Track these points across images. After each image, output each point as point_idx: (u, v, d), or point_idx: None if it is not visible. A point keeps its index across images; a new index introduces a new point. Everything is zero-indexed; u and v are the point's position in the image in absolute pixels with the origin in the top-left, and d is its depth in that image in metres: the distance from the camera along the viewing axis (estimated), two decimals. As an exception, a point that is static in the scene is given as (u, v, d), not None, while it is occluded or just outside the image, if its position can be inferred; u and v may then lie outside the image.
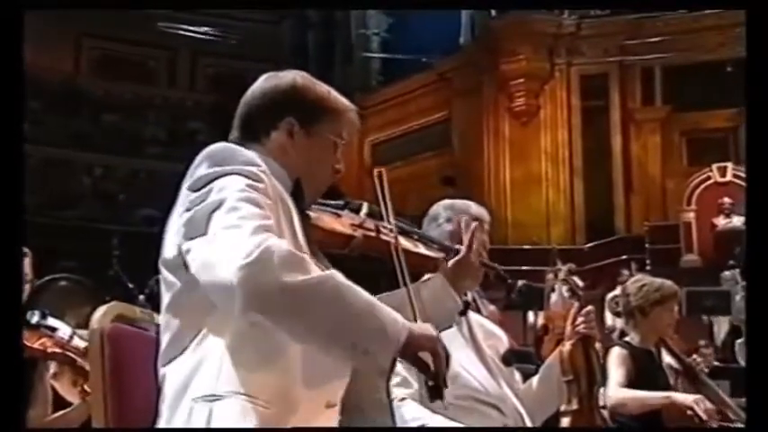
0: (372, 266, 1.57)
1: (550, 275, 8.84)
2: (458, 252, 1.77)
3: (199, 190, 1.36)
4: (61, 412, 2.60)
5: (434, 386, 1.31)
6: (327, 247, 1.54)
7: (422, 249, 1.62)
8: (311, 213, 1.54)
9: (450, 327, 1.84)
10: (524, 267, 9.34)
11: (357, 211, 1.64)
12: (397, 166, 11.24)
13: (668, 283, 3.07)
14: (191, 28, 14.48)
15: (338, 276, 1.27)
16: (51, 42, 12.53)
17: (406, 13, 13.65)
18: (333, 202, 1.63)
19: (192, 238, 1.33)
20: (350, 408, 1.41)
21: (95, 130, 13.17)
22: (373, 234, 1.57)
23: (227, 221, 1.29)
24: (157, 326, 1.59)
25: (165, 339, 1.40)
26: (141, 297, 7.43)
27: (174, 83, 14.73)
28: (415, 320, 1.56)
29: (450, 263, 1.67)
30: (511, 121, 12.20)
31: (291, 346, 1.34)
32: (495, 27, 12.17)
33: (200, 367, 1.33)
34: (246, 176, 1.36)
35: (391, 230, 1.54)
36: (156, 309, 2.00)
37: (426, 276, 1.79)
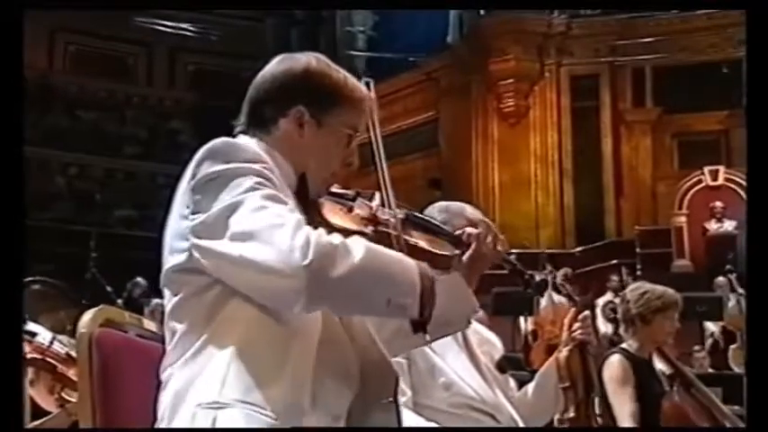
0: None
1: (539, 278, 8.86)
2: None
3: (204, 190, 1.34)
4: (38, 421, 2.57)
5: (420, 318, 1.38)
6: None
7: (436, 248, 1.58)
8: (315, 208, 1.49)
9: (467, 328, 1.82)
10: (513, 272, 9.33)
11: (369, 200, 1.58)
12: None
13: (670, 291, 3.11)
14: (170, 23, 14.38)
15: (369, 246, 1.34)
16: (25, 37, 12.39)
17: (392, 10, 13.66)
18: (344, 191, 1.57)
19: (210, 243, 1.31)
20: (356, 413, 1.40)
21: (70, 129, 13.06)
22: (383, 228, 1.53)
23: (262, 221, 1.29)
24: (146, 331, 1.58)
25: (168, 343, 1.38)
26: (119, 301, 7.42)
27: (152, 80, 14.63)
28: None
29: (465, 257, 1.65)
30: (499, 122, 12.21)
31: (300, 358, 1.33)
32: (484, 26, 12.19)
33: (203, 372, 1.31)
34: (254, 175, 1.34)
35: (396, 222, 1.51)
36: (135, 312, 1.98)
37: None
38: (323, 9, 14.06)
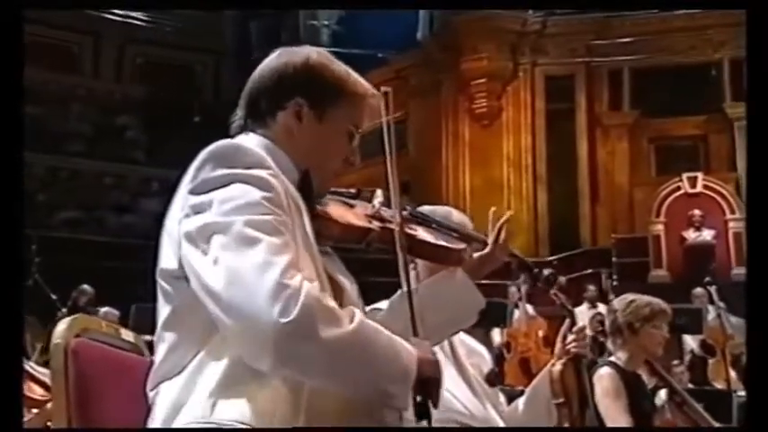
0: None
1: (513, 289, 8.92)
2: (480, 241, 1.79)
3: (201, 196, 1.32)
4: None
5: (423, 404, 1.35)
6: (344, 242, 1.52)
7: (441, 240, 1.61)
8: (320, 207, 1.50)
9: (471, 324, 1.85)
10: (484, 281, 9.38)
11: (369, 199, 1.62)
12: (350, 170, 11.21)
13: (658, 300, 3.17)
14: (120, 12, 14.18)
15: (363, 321, 1.29)
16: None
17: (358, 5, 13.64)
18: (345, 190, 1.61)
19: (193, 251, 1.29)
20: (359, 415, 1.40)
21: (10, 123, 12.81)
22: (389, 225, 1.55)
23: (249, 259, 1.23)
24: (124, 341, 1.55)
25: (159, 355, 1.36)
26: (64, 309, 7.26)
27: (99, 72, 14.41)
28: (414, 327, 1.54)
29: (476, 256, 1.68)
30: (471, 124, 12.29)
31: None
32: (456, 23, 12.26)
33: (198, 388, 1.30)
34: (254, 185, 1.32)
35: (404, 219, 1.53)
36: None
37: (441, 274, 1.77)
38: (288, 9, 14.01)
